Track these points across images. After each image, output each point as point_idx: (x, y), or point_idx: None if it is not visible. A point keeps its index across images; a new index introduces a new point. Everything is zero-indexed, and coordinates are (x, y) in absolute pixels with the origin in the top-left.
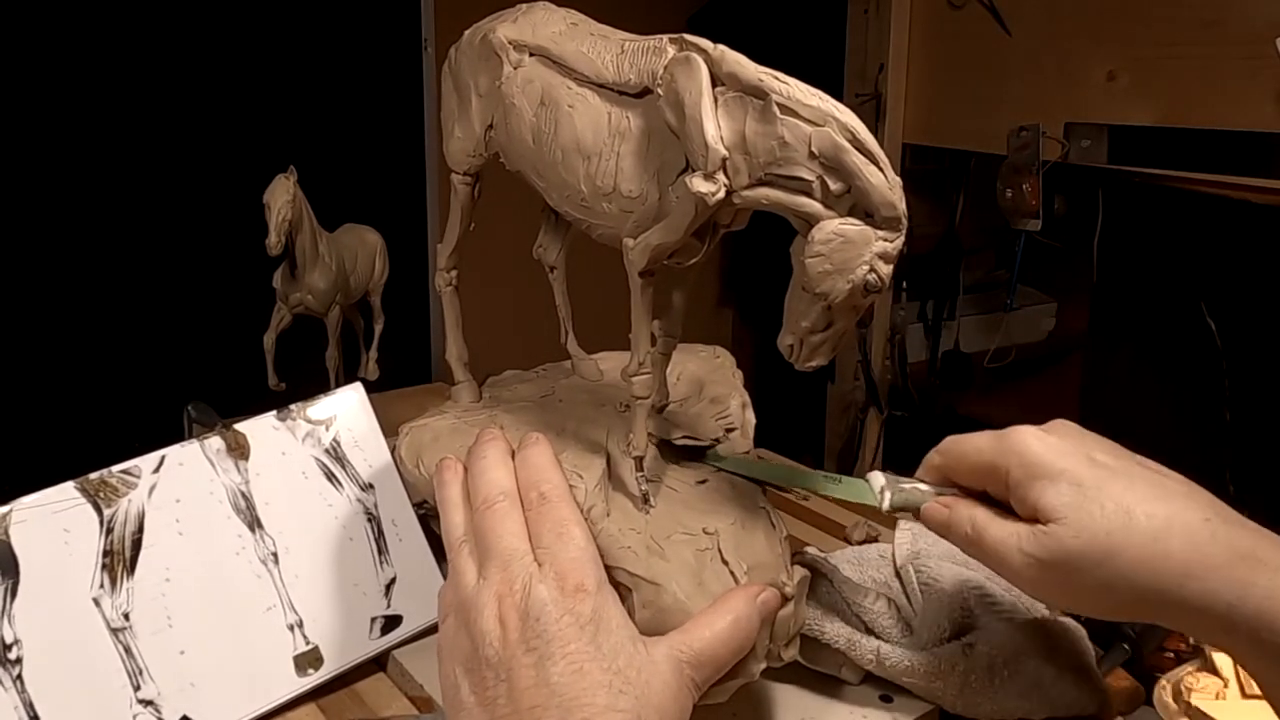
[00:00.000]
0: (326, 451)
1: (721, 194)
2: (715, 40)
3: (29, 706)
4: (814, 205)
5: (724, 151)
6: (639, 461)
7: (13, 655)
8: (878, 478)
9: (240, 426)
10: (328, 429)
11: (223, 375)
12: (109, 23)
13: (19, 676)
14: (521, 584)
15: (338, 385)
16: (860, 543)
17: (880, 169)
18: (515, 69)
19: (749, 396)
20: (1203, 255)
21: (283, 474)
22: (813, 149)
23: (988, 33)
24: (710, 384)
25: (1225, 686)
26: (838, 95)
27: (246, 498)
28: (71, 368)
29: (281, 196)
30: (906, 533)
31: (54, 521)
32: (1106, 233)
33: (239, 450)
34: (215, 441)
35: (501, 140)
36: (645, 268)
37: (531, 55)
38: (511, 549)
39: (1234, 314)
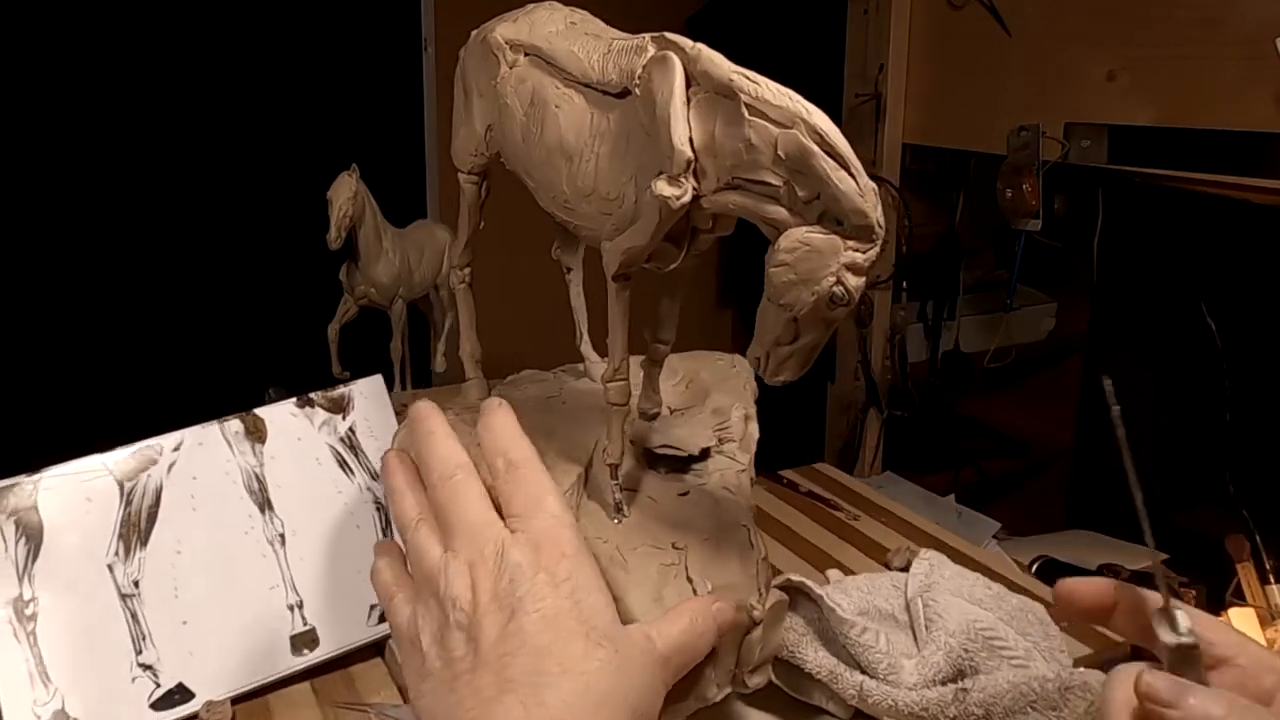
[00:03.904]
0: (341, 440)
1: (687, 198)
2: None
3: (39, 660)
4: (780, 212)
5: (689, 154)
6: (614, 469)
7: (29, 611)
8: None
9: (259, 411)
10: (344, 417)
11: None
12: (110, 23)
13: (33, 632)
14: (494, 550)
15: (401, 376)
16: (901, 569)
17: (851, 174)
18: (510, 69)
19: (755, 408)
20: (1203, 255)
21: (297, 459)
22: (779, 152)
23: (988, 33)
24: (717, 393)
25: None
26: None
27: (260, 480)
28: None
29: (343, 193)
30: (924, 563)
31: (79, 490)
32: (1106, 233)
33: (256, 434)
34: (234, 424)
35: (499, 140)
36: (618, 271)
37: (526, 55)
38: (479, 519)
39: (1234, 314)
